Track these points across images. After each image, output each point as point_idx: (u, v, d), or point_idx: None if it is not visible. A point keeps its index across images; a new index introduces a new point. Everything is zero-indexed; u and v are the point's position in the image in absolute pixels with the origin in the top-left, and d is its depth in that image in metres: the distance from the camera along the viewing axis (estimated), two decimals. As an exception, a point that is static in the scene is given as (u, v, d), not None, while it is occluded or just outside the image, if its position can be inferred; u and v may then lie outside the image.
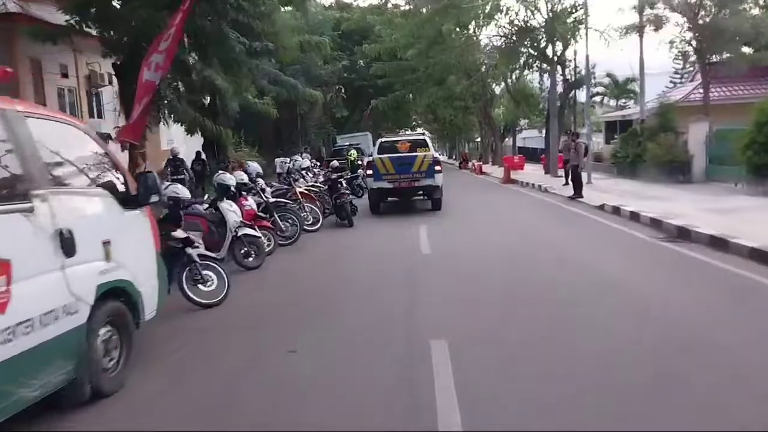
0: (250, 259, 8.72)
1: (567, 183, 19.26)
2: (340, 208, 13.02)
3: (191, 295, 6.62)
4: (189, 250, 6.71)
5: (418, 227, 12.19)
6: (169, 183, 8.51)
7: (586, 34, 20.59)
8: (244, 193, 10.39)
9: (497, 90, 41.36)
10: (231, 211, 8.52)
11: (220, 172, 9.29)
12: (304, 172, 15.49)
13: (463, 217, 14.25)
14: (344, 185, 14.24)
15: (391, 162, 14.71)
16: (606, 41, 23.91)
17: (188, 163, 17.89)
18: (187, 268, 6.68)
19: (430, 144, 15.79)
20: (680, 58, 27.52)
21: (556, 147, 24.49)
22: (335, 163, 21.27)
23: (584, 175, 18.15)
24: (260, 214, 9.82)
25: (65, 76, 16.20)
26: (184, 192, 7.59)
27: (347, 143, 29.40)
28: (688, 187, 16.96)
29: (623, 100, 39.67)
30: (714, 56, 25.82)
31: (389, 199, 15.90)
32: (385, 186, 14.81)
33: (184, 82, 13.58)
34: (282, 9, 19.68)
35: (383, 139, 16.09)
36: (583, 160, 17.19)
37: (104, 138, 9.38)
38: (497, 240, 10.52)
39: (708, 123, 18.01)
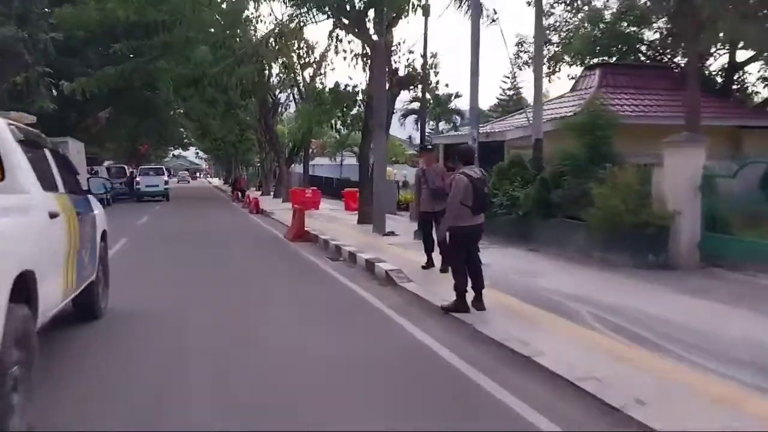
0: None
1: (430, 263, 8.77)
2: None
3: None
4: None
5: None
6: None
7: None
8: None
9: (283, 97, 30.61)
10: None
11: None
12: None
13: None
14: None
15: None
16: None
17: None
18: None
19: None
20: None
21: (383, 178, 14.09)
22: None
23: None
24: None
25: None
26: None
27: None
28: (701, 288, 7.55)
29: (444, 124, 31.48)
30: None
31: None
32: None
33: None
34: None
35: None
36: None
37: None
38: None
39: (704, 150, 8.93)
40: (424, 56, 12.54)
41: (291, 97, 29.47)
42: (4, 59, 23.12)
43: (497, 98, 31.21)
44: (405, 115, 30.99)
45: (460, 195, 6.36)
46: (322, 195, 25.35)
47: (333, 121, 17.08)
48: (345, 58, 16.23)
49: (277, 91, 31.29)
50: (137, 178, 34.48)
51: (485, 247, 10.20)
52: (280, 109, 31.47)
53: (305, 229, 14.05)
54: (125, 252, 12.17)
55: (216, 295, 7.82)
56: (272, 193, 34.23)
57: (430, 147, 8.83)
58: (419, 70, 15.72)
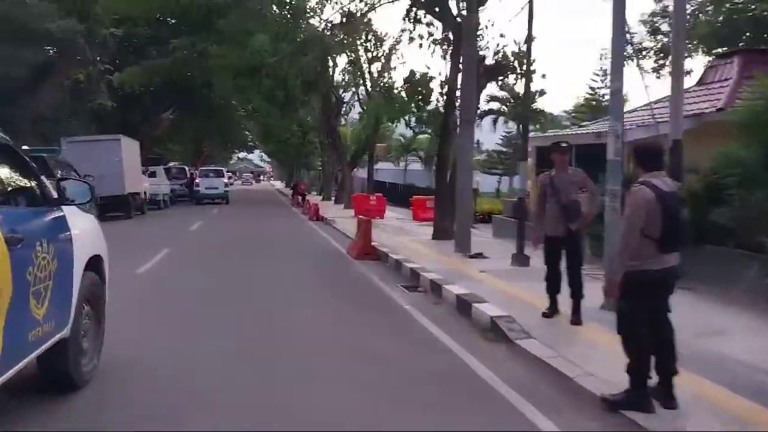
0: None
1: (554, 309, 6.23)
2: None
3: None
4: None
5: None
6: None
7: None
8: None
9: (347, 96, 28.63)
10: None
11: None
12: None
13: None
14: None
15: None
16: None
17: None
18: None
19: None
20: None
21: (469, 185, 11.61)
22: None
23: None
24: None
25: None
26: None
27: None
28: None
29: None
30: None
31: None
32: None
33: None
34: None
35: None
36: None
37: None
38: None
39: None
40: (528, 35, 9.87)
41: (356, 97, 27.39)
42: (62, 54, 22.05)
43: (587, 96, 28.06)
44: (481, 117, 28.39)
45: (641, 219, 3.89)
46: (387, 202, 23.10)
47: (407, 117, 14.78)
48: (421, 45, 13.94)
49: (341, 91, 29.42)
50: (197, 180, 33.23)
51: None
52: (344, 109, 29.46)
53: (371, 243, 11.78)
54: (160, 265, 10.27)
55: (250, 340, 5.61)
56: (333, 199, 32.35)
57: (564, 145, 6.30)
58: (510, 57, 13.20)
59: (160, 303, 7.40)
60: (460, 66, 13.39)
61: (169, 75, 16.00)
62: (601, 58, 27.62)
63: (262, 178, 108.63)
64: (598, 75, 27.90)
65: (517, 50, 13.28)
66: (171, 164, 39.30)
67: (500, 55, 13.48)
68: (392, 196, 28.01)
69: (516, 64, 13.16)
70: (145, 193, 24.28)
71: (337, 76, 25.19)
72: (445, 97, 13.23)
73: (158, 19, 27.12)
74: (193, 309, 7.07)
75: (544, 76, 12.84)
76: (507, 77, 13.49)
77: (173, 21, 27.46)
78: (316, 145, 40.78)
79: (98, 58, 24.14)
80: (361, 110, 27.68)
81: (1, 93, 19.77)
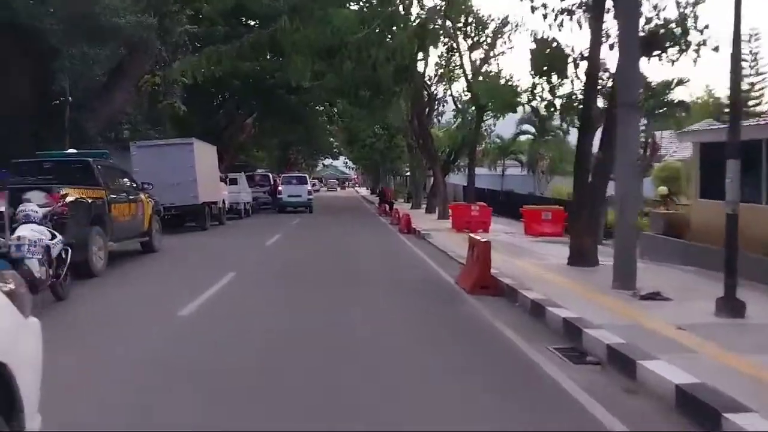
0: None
1: None
2: None
3: None
4: None
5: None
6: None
7: None
8: None
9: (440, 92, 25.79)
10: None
11: None
12: None
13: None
14: None
15: None
16: None
17: None
18: None
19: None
20: None
21: (633, 190, 8.36)
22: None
23: None
24: None
25: None
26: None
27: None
28: None
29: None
30: None
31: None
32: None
33: None
34: None
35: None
36: None
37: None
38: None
39: None
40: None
41: (449, 91, 24.48)
42: (134, 52, 20.55)
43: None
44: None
45: None
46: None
47: (536, 103, 11.69)
48: (545, 17, 10.82)
49: (433, 88, 26.68)
50: (280, 188, 31.52)
51: None
52: (436, 107, 26.63)
53: (491, 272, 8.82)
54: (214, 303, 7.80)
55: None
56: (424, 207, 29.58)
57: None
58: (672, 23, 9.86)
59: (198, 376, 4.81)
60: (602, 39, 10.28)
61: (235, 63, 13.73)
62: (750, 40, 23.13)
63: (347, 184, 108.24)
64: (745, 60, 23.46)
65: (677, 15, 9.91)
66: (259, 171, 38.10)
67: (653, 23, 10.15)
68: (493, 205, 24.88)
69: (680, 32, 9.78)
70: (223, 201, 22.53)
71: (429, 71, 22.36)
72: (585, 78, 10.06)
73: (236, 19, 25.63)
74: (238, 388, 4.42)
75: (716, 49, 9.43)
76: (666, 51, 10.13)
77: (254, 23, 25.94)
78: (403, 148, 38.27)
79: (171, 58, 22.66)
80: (455, 108, 24.77)
81: (72, 95, 18.49)
